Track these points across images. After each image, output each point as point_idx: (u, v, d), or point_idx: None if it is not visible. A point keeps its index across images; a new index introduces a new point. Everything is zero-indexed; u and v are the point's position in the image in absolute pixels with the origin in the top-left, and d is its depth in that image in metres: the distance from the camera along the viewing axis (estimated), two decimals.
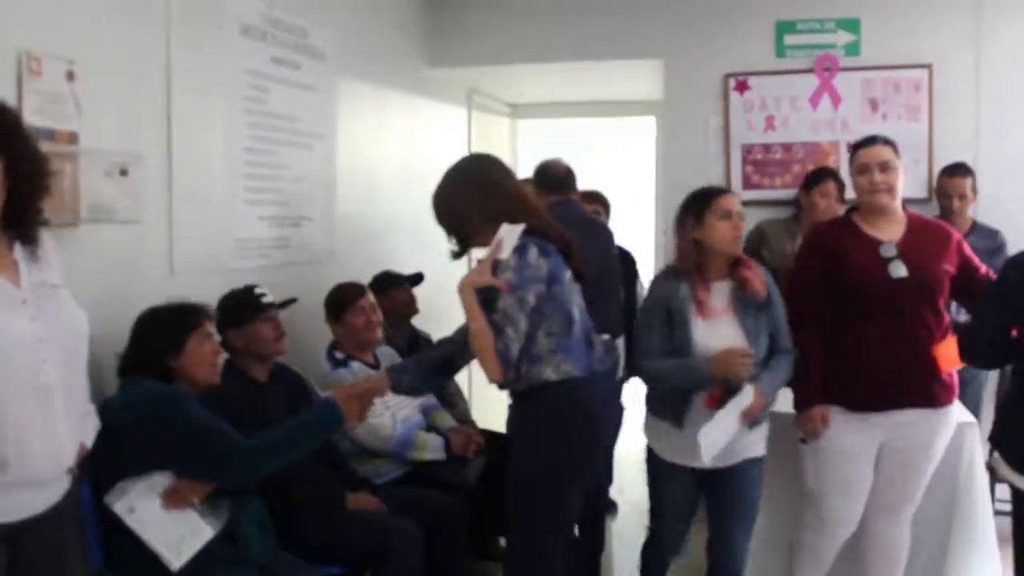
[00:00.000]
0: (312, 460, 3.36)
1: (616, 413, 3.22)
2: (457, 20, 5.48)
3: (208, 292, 3.24)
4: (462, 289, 2.79)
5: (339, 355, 3.82)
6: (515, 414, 2.97)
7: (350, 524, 3.22)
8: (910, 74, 4.95)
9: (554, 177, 4.39)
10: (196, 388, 2.78)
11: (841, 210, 4.58)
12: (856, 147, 3.36)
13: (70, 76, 2.79)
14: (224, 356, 3.06)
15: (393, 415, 3.78)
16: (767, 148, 5.10)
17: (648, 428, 3.36)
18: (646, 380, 3.32)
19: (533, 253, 2.76)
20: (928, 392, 3.24)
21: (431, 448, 3.85)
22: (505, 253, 2.75)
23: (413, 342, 4.49)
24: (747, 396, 3.07)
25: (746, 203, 4.97)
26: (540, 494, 2.87)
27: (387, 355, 4.03)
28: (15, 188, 1.95)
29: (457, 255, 3.03)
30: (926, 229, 3.33)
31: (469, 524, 3.67)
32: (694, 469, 3.23)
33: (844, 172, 4.89)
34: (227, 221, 3.60)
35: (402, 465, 3.82)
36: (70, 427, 2.04)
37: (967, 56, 4.90)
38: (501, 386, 2.86)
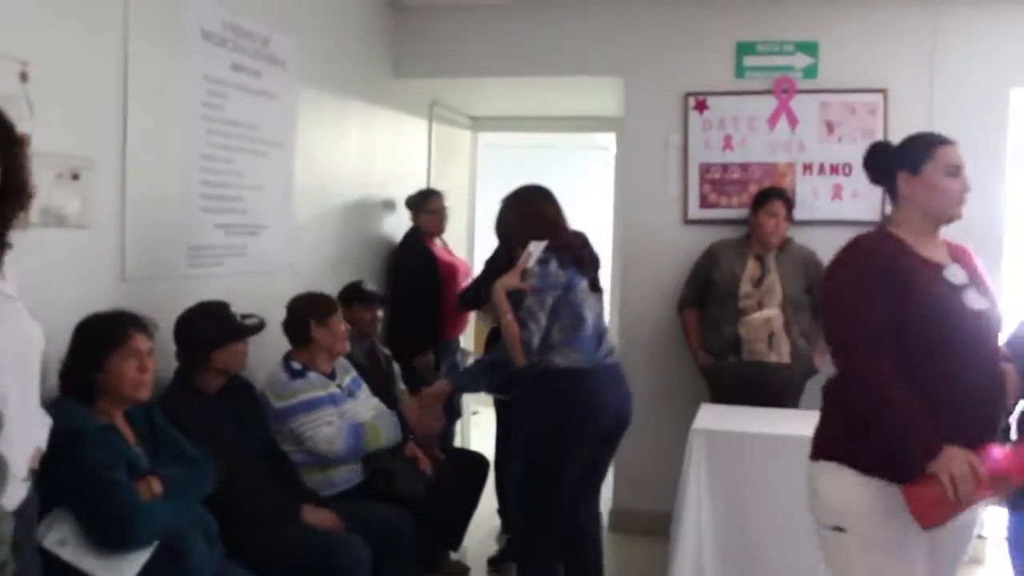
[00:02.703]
0: (263, 473, 3.36)
1: (618, 398, 3.58)
2: (420, 32, 5.48)
3: (160, 299, 3.21)
4: (497, 290, 3.52)
5: (296, 365, 3.78)
6: (527, 389, 3.58)
7: (299, 539, 3.19)
8: (866, 98, 5.02)
9: None
10: (122, 404, 2.74)
11: (788, 230, 4.65)
12: (931, 144, 2.73)
13: (23, 77, 2.74)
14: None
15: (342, 425, 3.73)
16: (725, 167, 5.14)
17: None
18: None
19: (554, 265, 3.47)
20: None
21: (386, 431, 3.82)
22: (531, 263, 3.46)
23: (372, 357, 4.47)
24: None
25: (703, 222, 5.09)
26: (537, 462, 3.53)
27: (342, 365, 4.00)
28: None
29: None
30: (960, 251, 2.78)
31: (419, 539, 3.64)
32: None
33: (801, 192, 5.01)
34: (182, 228, 3.56)
35: (357, 474, 3.77)
36: (22, 438, 2.02)
37: (921, 81, 4.98)
38: (522, 370, 3.50)
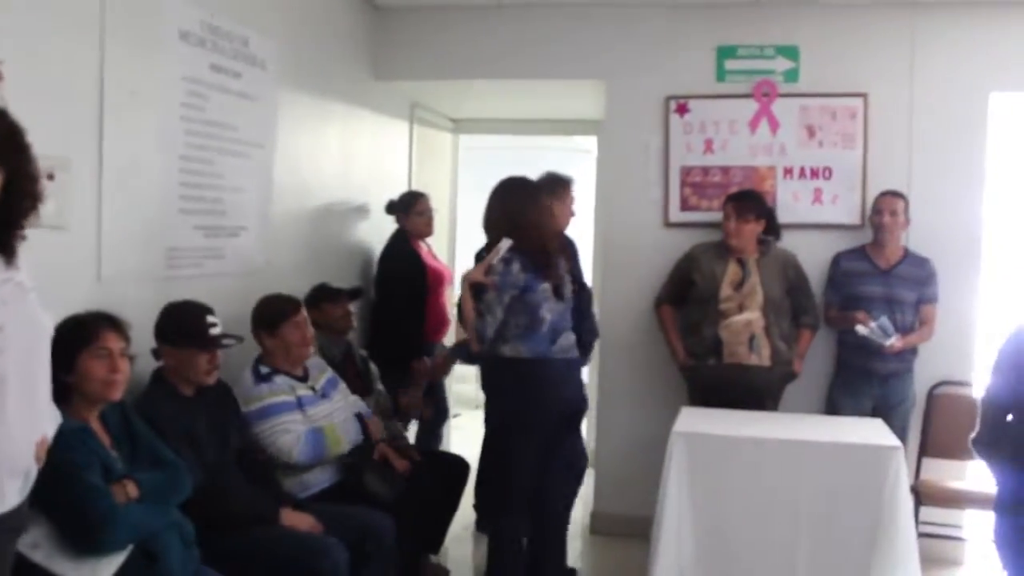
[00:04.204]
0: (240, 476, 3.34)
1: (564, 388, 3.88)
2: (401, 34, 5.46)
3: (137, 301, 3.18)
4: (462, 281, 3.87)
5: (264, 369, 3.75)
6: (483, 376, 4.05)
7: (277, 542, 3.17)
8: (846, 102, 5.04)
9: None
10: (93, 405, 2.71)
11: (752, 229, 4.64)
12: None
13: None
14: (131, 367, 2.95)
15: (302, 431, 3.69)
16: (705, 171, 5.15)
17: None
18: None
19: (516, 266, 3.74)
20: None
21: (346, 436, 3.80)
22: (496, 260, 3.72)
23: (347, 355, 4.45)
24: None
25: (683, 225, 5.10)
26: (491, 440, 3.97)
27: (317, 365, 3.99)
28: (8, 202, 1.98)
29: None
30: None
31: (398, 542, 3.63)
32: None
33: (782, 196, 5.02)
34: (159, 229, 3.53)
35: (329, 475, 3.76)
36: (23, 423, 2.01)
37: (902, 86, 5.00)
38: (477, 354, 3.88)
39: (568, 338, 3.89)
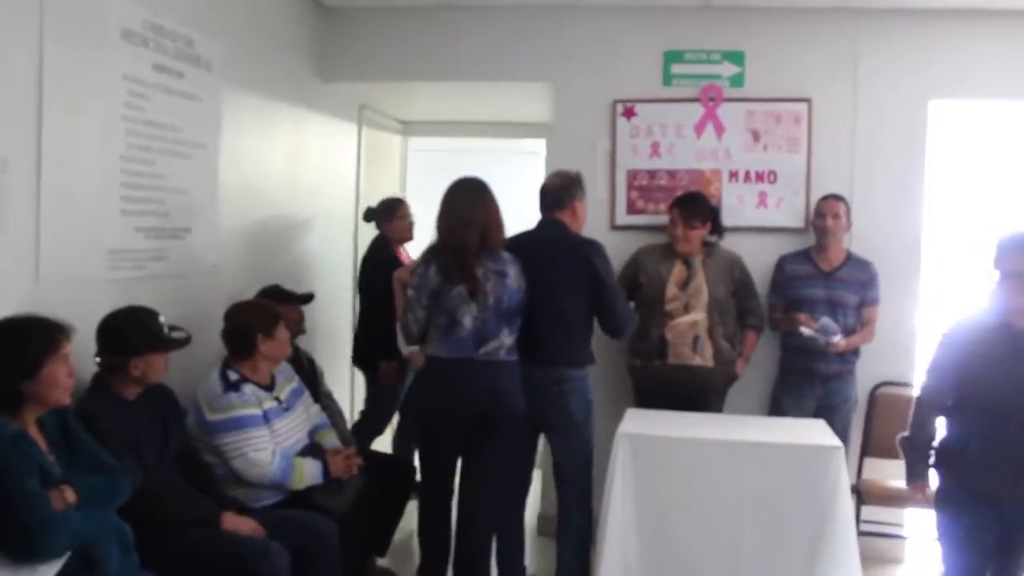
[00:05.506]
0: (182, 480, 3.31)
1: (485, 388, 3.85)
2: (349, 35, 5.44)
3: (76, 303, 3.13)
4: (394, 278, 4.21)
5: (233, 376, 3.72)
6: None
7: (218, 546, 3.14)
8: (791, 107, 5.10)
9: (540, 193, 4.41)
10: (43, 409, 2.68)
11: (699, 234, 4.68)
12: None
13: None
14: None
15: (275, 450, 3.68)
16: (652, 174, 5.19)
17: None
18: None
19: (431, 270, 3.84)
20: None
21: (309, 476, 3.75)
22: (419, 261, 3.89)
23: (295, 359, 4.42)
24: None
25: (630, 228, 5.13)
26: (416, 429, 4.28)
27: (285, 373, 4.00)
28: None
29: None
30: None
31: (344, 545, 3.61)
32: None
33: (727, 199, 5.07)
34: (100, 230, 3.48)
35: (281, 493, 3.73)
36: None
37: (845, 92, 5.08)
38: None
39: (498, 343, 3.85)
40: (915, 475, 3.50)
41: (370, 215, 5.44)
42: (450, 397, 3.86)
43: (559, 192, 4.32)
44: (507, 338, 3.88)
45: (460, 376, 3.84)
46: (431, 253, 3.88)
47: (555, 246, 4.17)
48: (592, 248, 4.17)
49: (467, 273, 3.80)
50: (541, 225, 4.31)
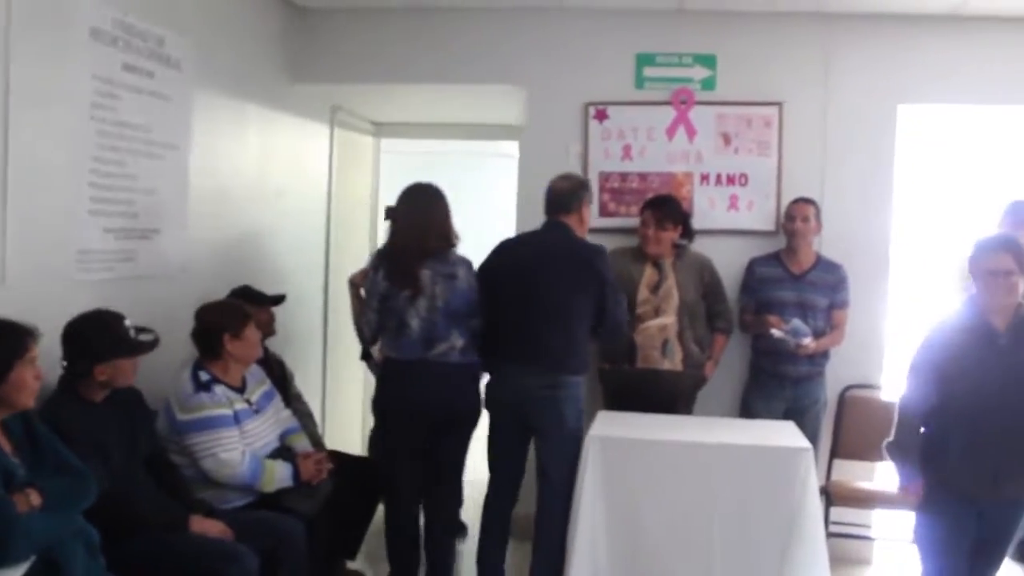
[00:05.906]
0: (149, 482, 3.29)
1: (436, 393, 3.96)
2: (322, 36, 5.42)
3: (43, 305, 3.10)
4: (348, 281, 4.27)
5: (204, 376, 3.69)
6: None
7: (185, 549, 3.13)
8: (762, 111, 5.14)
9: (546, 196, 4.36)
10: (9, 411, 2.66)
11: (670, 236, 4.70)
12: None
13: None
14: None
15: (244, 451, 3.65)
16: (624, 177, 5.21)
17: None
18: None
19: (380, 274, 3.98)
20: None
21: (279, 479, 3.73)
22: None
23: (264, 361, 4.40)
24: None
25: (602, 231, 5.13)
26: (374, 434, 4.57)
27: (256, 376, 3.97)
28: None
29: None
30: None
31: (313, 548, 3.60)
32: None
33: (698, 202, 5.09)
34: (68, 231, 3.45)
35: (250, 495, 3.71)
36: None
37: (815, 96, 5.12)
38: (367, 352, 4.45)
39: (448, 344, 3.97)
40: (907, 477, 3.52)
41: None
42: (405, 396, 3.99)
43: (567, 196, 4.26)
44: (458, 340, 3.98)
45: (413, 376, 3.97)
46: (380, 258, 4.03)
47: (561, 251, 4.14)
48: (599, 255, 4.15)
49: (411, 277, 3.92)
50: (546, 228, 4.26)
